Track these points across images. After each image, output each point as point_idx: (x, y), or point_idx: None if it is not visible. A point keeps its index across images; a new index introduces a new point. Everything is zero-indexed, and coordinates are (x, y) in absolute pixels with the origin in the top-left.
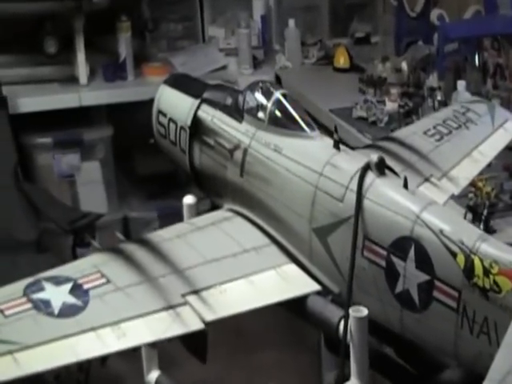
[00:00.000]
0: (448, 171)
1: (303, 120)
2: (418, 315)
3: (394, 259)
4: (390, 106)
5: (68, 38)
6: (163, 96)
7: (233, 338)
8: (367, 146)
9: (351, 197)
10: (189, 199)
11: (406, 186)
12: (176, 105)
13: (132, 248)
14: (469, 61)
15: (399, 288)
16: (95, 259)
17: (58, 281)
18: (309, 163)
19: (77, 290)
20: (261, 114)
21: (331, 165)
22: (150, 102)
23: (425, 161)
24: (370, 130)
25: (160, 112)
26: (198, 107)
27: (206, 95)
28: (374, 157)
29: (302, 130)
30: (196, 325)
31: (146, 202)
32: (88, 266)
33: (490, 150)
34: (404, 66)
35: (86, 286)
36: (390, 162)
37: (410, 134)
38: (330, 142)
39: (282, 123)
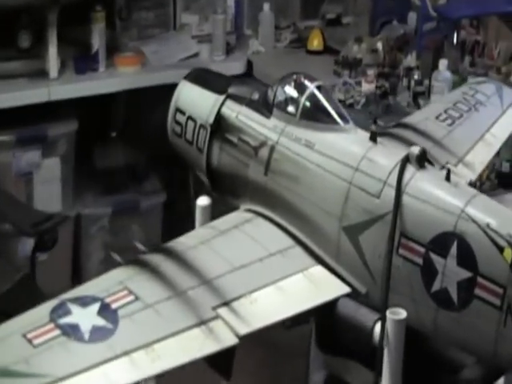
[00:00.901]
0: (463, 157)
1: (337, 112)
2: (455, 314)
3: (433, 256)
4: (367, 87)
5: (41, 31)
6: (183, 93)
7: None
8: (380, 134)
9: (389, 192)
10: (203, 201)
11: (448, 178)
12: (197, 102)
13: (157, 259)
14: (448, 39)
15: (436, 286)
16: (120, 274)
17: (84, 302)
18: (343, 158)
19: (105, 310)
20: (292, 108)
21: (368, 159)
22: (118, 94)
23: (439, 147)
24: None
25: (178, 110)
26: (223, 103)
27: (231, 90)
28: (414, 149)
29: (336, 123)
30: (230, 340)
31: (100, 197)
32: (113, 283)
33: (501, 131)
34: (379, 46)
35: (114, 306)
36: (405, 149)
37: (423, 120)
38: (365, 134)
39: (315, 117)
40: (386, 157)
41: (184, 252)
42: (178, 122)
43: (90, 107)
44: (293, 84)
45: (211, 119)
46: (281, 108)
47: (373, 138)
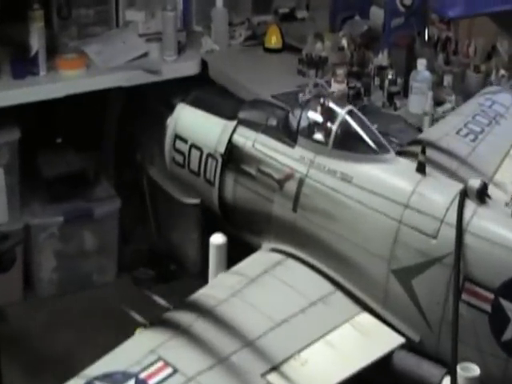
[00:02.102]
0: (492, 176)
1: (374, 140)
2: None
3: (504, 303)
4: (337, 87)
5: None
6: (183, 118)
7: None
8: (398, 153)
9: (447, 232)
10: (217, 238)
11: None
12: (202, 128)
13: (187, 319)
14: (420, 36)
15: (508, 335)
16: (149, 341)
17: (115, 380)
18: (389, 193)
19: None
20: (321, 137)
21: (418, 194)
22: (65, 98)
23: (467, 167)
24: None
25: (178, 137)
26: (234, 130)
27: (241, 115)
28: (473, 182)
29: (375, 152)
30: None
31: (49, 206)
32: (144, 352)
33: None
34: (344, 43)
35: (151, 382)
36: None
37: (443, 136)
38: (409, 164)
39: (350, 146)
40: (439, 191)
41: (216, 307)
42: (178, 151)
43: (32, 113)
44: (319, 109)
45: (222, 148)
46: (308, 136)
47: (421, 170)
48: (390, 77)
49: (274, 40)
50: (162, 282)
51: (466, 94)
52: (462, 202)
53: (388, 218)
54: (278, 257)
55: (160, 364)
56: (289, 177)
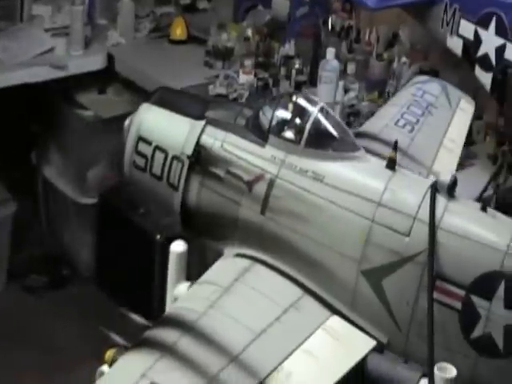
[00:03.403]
0: (431, 166)
1: (345, 138)
2: (500, 361)
3: (475, 300)
4: (245, 78)
5: None
6: (147, 118)
7: None
8: None
9: (420, 229)
10: (178, 246)
11: (484, 208)
12: (167, 129)
13: (171, 337)
14: (325, 25)
15: (477, 333)
16: (137, 364)
17: None
18: (361, 191)
19: None
20: (292, 135)
21: (390, 191)
22: None
23: (407, 158)
24: None
25: (141, 139)
26: (202, 131)
27: (209, 115)
28: (445, 176)
29: (346, 150)
30: None
31: None
32: (136, 378)
33: (457, 135)
34: (249, 33)
35: None
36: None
37: (383, 128)
38: (378, 161)
39: (321, 144)
40: (410, 187)
41: (197, 322)
42: (140, 154)
43: None
44: (291, 107)
45: (189, 150)
46: (278, 135)
47: (390, 166)
48: (297, 66)
49: (178, 31)
50: (54, 289)
51: (369, 82)
52: (433, 198)
53: (361, 218)
54: (244, 262)
55: None
56: (259, 178)
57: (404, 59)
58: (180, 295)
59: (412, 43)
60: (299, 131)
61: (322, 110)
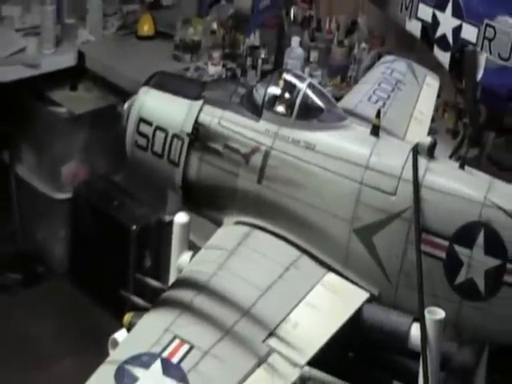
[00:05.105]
0: (404, 138)
1: (332, 110)
2: (482, 304)
3: (458, 248)
4: (213, 69)
5: None
6: (147, 100)
7: None
8: None
9: (405, 188)
10: (181, 217)
11: (462, 166)
12: (167, 110)
13: (187, 296)
14: (288, 15)
15: (461, 278)
16: (160, 321)
17: (143, 362)
18: (350, 157)
19: (169, 368)
20: (283, 109)
21: (376, 155)
22: None
23: (382, 130)
24: None
25: (142, 120)
26: (201, 110)
27: (206, 94)
28: (424, 139)
29: (334, 120)
30: (294, 373)
31: None
32: (160, 333)
33: (425, 107)
34: (215, 26)
35: (174, 360)
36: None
37: (357, 103)
38: (363, 129)
39: (311, 116)
40: (394, 151)
41: (208, 282)
42: (142, 134)
43: None
44: (281, 83)
45: (188, 128)
46: (271, 109)
47: (375, 132)
48: (262, 56)
49: (146, 28)
50: (29, 286)
51: (331, 68)
52: (415, 159)
53: (350, 181)
54: (244, 229)
55: (177, 342)
56: (255, 150)
57: (364, 45)
58: (184, 264)
59: (370, 30)
60: (290, 105)
61: (309, 85)
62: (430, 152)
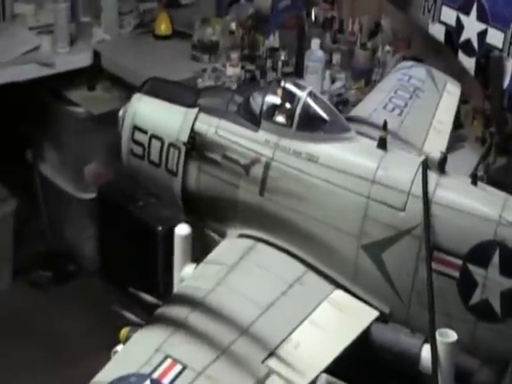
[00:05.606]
0: (421, 148)
1: (336, 121)
2: (497, 326)
3: (472, 268)
4: (232, 71)
5: None
6: (140, 108)
7: None
8: None
9: (415, 204)
10: (182, 229)
11: (474, 182)
12: (162, 118)
13: (181, 313)
14: (308, 16)
15: (475, 299)
16: (151, 339)
17: (131, 383)
18: (355, 170)
19: None
20: (283, 119)
21: (383, 168)
22: None
23: (398, 140)
24: None
25: (136, 128)
26: (196, 118)
27: (202, 102)
28: (434, 154)
29: (337, 131)
30: None
31: None
32: (151, 352)
33: (445, 116)
34: (233, 27)
35: (165, 381)
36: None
37: (372, 112)
38: (369, 141)
39: (313, 127)
40: (402, 165)
41: (205, 298)
42: (137, 142)
43: None
44: (280, 92)
45: (184, 137)
46: (270, 119)
47: (382, 146)
48: (282, 58)
49: (163, 27)
50: (60, 284)
51: (355, 71)
52: (425, 174)
53: (356, 195)
54: (248, 242)
55: (169, 362)
56: (255, 161)
57: (388, 48)
58: (186, 276)
59: (394, 32)
60: (290, 115)
61: (310, 94)
62: (441, 166)
